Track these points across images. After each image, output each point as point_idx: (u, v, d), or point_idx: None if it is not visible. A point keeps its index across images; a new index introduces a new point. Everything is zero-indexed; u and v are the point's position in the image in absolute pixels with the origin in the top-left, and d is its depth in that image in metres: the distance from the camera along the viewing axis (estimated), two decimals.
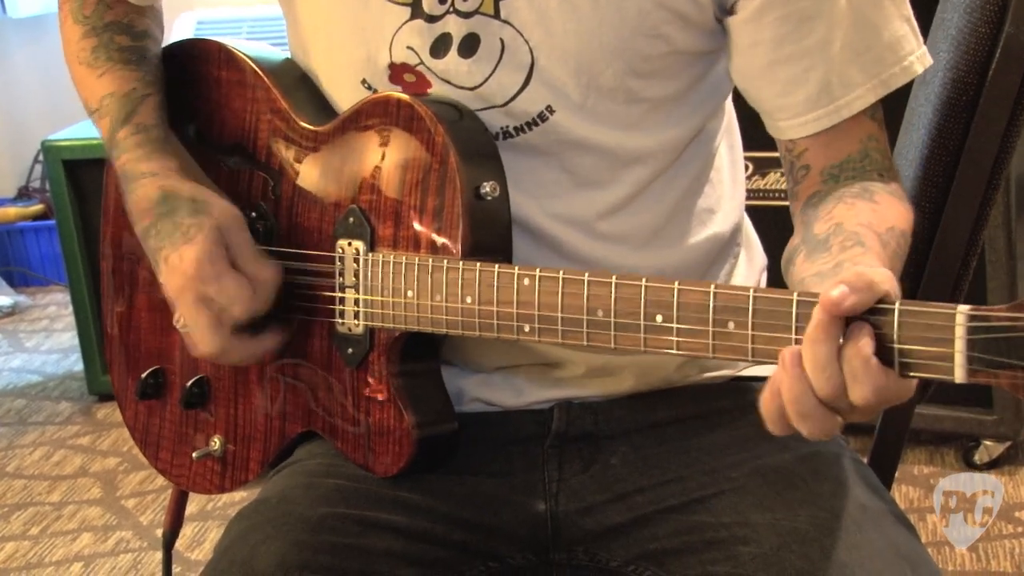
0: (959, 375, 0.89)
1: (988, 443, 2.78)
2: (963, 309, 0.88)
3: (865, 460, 1.29)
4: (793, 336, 0.95)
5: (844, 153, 1.20)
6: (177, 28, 3.71)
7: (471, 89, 1.20)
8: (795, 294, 0.95)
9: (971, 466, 2.80)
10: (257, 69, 1.29)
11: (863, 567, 1.09)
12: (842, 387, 0.92)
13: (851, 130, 1.19)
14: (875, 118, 1.21)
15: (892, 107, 1.23)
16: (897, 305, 0.90)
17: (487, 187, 1.15)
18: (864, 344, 0.91)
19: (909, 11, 1.19)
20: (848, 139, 1.20)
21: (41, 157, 3.93)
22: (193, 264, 1.19)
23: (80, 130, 3.32)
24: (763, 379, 0.99)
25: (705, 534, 1.16)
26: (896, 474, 1.43)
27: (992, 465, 2.79)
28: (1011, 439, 2.76)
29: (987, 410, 2.71)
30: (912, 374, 0.91)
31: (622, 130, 1.21)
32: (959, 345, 0.88)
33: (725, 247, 1.31)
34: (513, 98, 1.19)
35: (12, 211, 4.48)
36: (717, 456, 1.22)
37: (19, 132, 4.61)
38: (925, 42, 1.23)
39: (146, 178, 1.25)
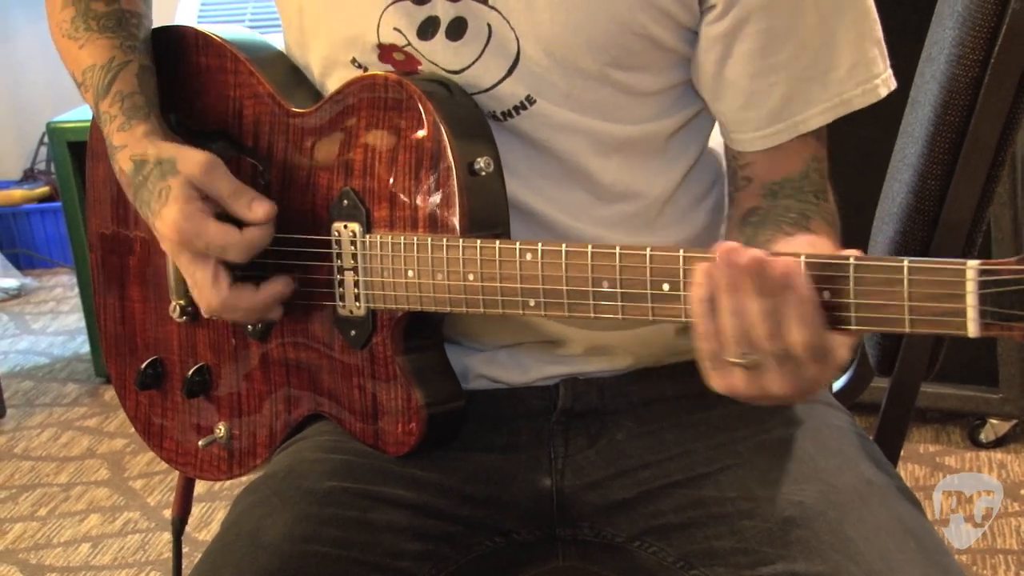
0: (972, 329, 0.89)
1: (994, 421, 2.78)
2: (972, 264, 0.89)
3: (871, 438, 1.29)
4: None
5: (786, 171, 1.20)
6: (180, 12, 3.70)
7: (456, 72, 1.19)
8: (803, 256, 0.95)
9: (977, 445, 2.80)
10: (236, 53, 1.28)
11: (868, 542, 1.09)
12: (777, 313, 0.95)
13: (798, 149, 1.20)
14: (820, 138, 1.21)
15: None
16: (906, 262, 0.91)
17: (481, 162, 1.15)
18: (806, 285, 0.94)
19: (879, 33, 1.19)
20: (793, 157, 1.20)
21: (46, 139, 3.94)
22: (172, 227, 1.18)
23: (85, 112, 3.31)
24: None
25: (710, 509, 1.16)
26: (902, 452, 1.43)
27: (998, 443, 2.79)
28: (1017, 417, 2.76)
29: (993, 389, 2.71)
30: (926, 331, 0.92)
31: (607, 118, 1.20)
32: (971, 300, 0.89)
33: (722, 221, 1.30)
34: (497, 84, 1.19)
35: (18, 193, 4.49)
36: (722, 431, 1.22)
37: (24, 114, 4.61)
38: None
39: (119, 152, 1.25)
